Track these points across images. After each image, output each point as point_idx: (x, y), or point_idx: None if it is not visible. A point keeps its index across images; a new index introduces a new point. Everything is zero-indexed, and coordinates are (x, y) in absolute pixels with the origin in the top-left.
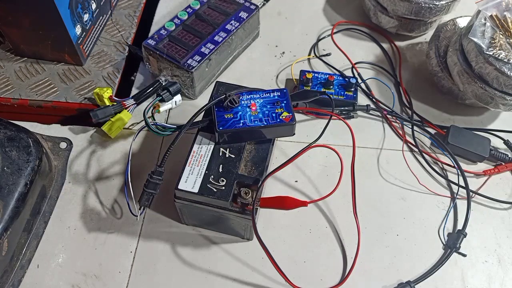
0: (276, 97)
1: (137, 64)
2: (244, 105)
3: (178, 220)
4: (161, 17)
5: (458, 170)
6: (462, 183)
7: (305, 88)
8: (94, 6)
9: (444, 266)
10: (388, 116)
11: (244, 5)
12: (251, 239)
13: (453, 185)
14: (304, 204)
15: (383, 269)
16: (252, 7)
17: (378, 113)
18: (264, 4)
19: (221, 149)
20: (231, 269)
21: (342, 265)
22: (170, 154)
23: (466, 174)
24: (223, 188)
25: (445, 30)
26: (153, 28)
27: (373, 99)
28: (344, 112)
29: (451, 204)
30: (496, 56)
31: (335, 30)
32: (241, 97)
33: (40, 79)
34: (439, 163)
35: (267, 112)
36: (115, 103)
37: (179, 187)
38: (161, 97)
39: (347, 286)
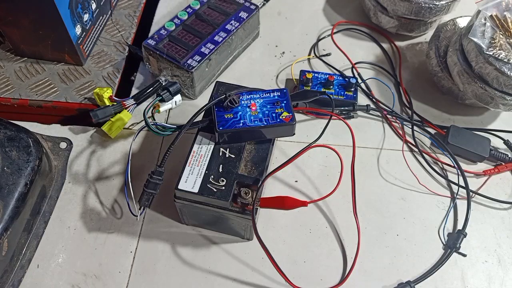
0: (276, 97)
1: (137, 64)
2: (244, 105)
3: (178, 220)
4: (161, 17)
5: (458, 170)
6: (462, 183)
7: (305, 88)
8: (94, 6)
9: (444, 266)
10: (388, 116)
11: (244, 5)
12: (251, 239)
13: (453, 185)
14: (304, 204)
15: (383, 269)
16: (252, 7)
17: (378, 113)
18: (264, 4)
19: (221, 149)
20: (231, 269)
21: (342, 265)
22: (170, 154)
23: (466, 174)
24: (223, 188)
25: (445, 30)
26: (153, 28)
27: (373, 99)
28: (344, 112)
29: (451, 204)
30: (496, 56)
31: (335, 30)
32: (241, 97)
33: (40, 79)
34: (439, 163)
35: (267, 112)
36: (115, 103)
37: (179, 187)
38: (161, 97)
39: (347, 286)
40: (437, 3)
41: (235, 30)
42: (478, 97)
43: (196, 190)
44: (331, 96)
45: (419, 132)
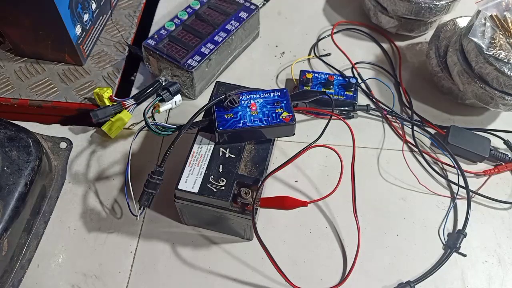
0: (276, 97)
1: (137, 64)
2: (244, 105)
3: (178, 220)
4: (161, 17)
5: (458, 170)
6: (462, 183)
7: (305, 88)
8: (94, 6)
9: (444, 266)
10: (388, 116)
11: (244, 5)
12: (251, 239)
13: (453, 185)
14: (304, 204)
15: (383, 269)
16: (252, 7)
17: (378, 113)
18: (264, 4)
19: (221, 149)
20: (231, 269)
21: (342, 265)
22: (170, 154)
23: (466, 174)
24: (223, 188)
25: (445, 30)
26: (153, 28)
27: (373, 99)
28: (344, 112)
29: (451, 204)
30: (496, 56)
31: (335, 30)
32: (241, 97)
33: (40, 79)
34: (439, 163)
35: (267, 112)
36: (115, 103)
37: (179, 187)
38: (161, 97)
39: (347, 286)
40: (437, 3)
41: (235, 30)
42: (478, 97)
43: (196, 190)
44: (331, 96)
45: (419, 132)
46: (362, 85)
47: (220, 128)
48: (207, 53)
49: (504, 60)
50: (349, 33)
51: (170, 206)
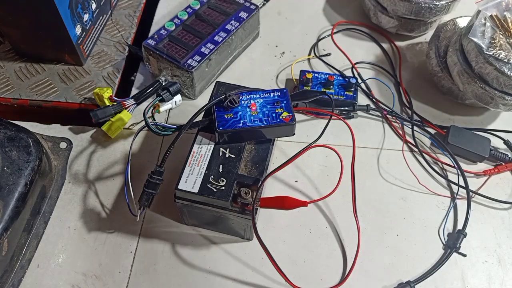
0: (276, 97)
1: (137, 64)
2: (244, 105)
3: (178, 220)
4: (161, 17)
5: (458, 170)
6: (462, 183)
7: (305, 88)
8: (94, 6)
9: (444, 266)
10: (388, 116)
11: (244, 5)
12: (251, 239)
13: (453, 185)
14: (304, 204)
15: (383, 269)
16: (252, 7)
17: (378, 113)
18: (264, 4)
19: (221, 149)
20: (231, 269)
21: (342, 265)
22: (170, 154)
23: (466, 174)
24: (223, 188)
25: (445, 30)
26: (153, 28)
27: (373, 99)
28: (344, 112)
29: (451, 204)
30: (496, 56)
31: (335, 30)
32: (241, 97)
33: (40, 79)
34: (439, 163)
35: (267, 112)
36: (115, 103)
37: (179, 187)
38: (161, 97)
39: (347, 286)
40: (437, 3)
41: (235, 30)
42: (478, 97)
43: (196, 190)
44: (331, 96)
45: (419, 132)
46: (362, 85)
47: (220, 128)
48: (207, 53)
49: (504, 60)
50: (349, 33)
51: (170, 206)
